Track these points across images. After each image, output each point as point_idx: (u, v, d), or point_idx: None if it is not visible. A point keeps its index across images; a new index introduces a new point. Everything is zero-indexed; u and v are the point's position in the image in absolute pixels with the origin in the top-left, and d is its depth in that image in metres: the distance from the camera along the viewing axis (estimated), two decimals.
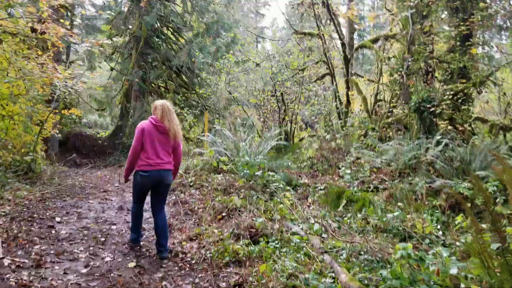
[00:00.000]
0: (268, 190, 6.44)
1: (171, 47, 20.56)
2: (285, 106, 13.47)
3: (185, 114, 16.13)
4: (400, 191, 6.78)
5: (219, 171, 7.49)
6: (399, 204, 6.28)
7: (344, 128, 11.18)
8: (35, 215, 4.97)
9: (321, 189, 7.35)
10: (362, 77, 15.23)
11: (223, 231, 4.66)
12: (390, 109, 11.79)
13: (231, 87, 17.02)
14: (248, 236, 4.46)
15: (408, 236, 5.11)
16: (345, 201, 6.35)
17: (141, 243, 4.54)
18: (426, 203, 6.34)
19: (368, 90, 14.01)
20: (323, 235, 5.03)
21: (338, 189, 6.71)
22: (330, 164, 9.42)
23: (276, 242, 4.43)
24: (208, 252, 4.29)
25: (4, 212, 4.72)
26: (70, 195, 6.93)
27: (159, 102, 4.25)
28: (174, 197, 6.61)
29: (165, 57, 19.82)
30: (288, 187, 6.86)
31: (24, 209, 5.12)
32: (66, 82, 7.99)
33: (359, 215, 5.92)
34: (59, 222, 4.94)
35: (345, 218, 5.75)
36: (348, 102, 12.63)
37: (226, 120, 18.78)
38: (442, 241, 5.10)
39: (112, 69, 21.54)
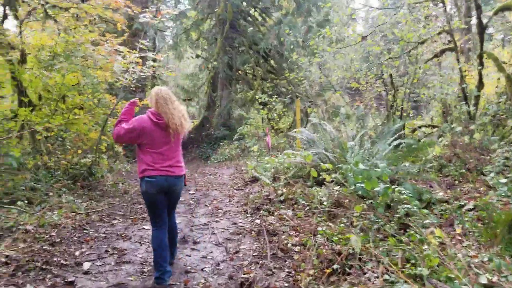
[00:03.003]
0: (396, 215, 4.36)
1: (258, 29, 19.04)
2: (394, 90, 10.98)
3: (273, 103, 14.42)
4: None
5: (319, 181, 5.54)
6: None
7: (480, 117, 8.47)
8: (55, 258, 3.41)
9: (470, 209, 5.04)
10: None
11: None
12: None
13: (326, 70, 14.84)
14: None
15: None
16: None
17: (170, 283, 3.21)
18: None
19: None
20: None
21: (507, 216, 4.36)
22: (468, 168, 6.94)
23: None
24: None
25: (6, 256, 3.14)
26: (125, 214, 5.41)
27: (153, 90, 3.35)
28: (258, 221, 4.73)
29: (252, 40, 18.33)
30: (425, 210, 4.67)
31: (44, 246, 3.59)
32: (134, 68, 6.66)
33: None
34: (86, 273, 3.33)
35: None
36: (481, 83, 9.76)
37: (319, 108, 16.70)
38: None
39: (197, 56, 20.80)
